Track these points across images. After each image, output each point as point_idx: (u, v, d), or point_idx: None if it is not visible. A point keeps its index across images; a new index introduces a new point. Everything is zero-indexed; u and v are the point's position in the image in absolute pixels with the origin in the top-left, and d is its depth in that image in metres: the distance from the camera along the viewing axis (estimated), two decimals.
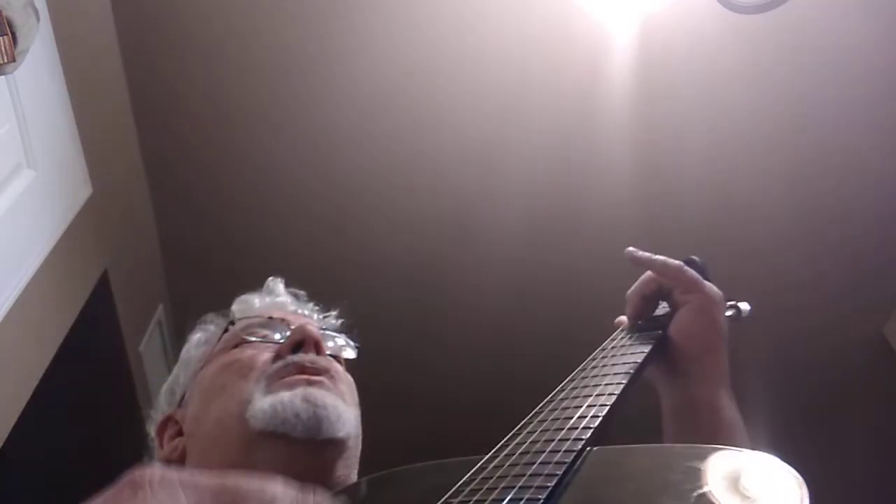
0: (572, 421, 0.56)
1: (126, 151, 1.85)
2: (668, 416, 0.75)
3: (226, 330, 0.79)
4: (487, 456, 0.54)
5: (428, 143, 1.90)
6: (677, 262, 0.79)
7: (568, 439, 0.53)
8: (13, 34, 1.03)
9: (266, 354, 0.72)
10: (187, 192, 1.97)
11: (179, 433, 0.74)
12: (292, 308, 0.86)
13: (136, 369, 1.83)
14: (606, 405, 0.59)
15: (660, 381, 0.78)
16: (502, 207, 1.98)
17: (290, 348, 0.72)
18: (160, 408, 0.81)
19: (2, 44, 1.00)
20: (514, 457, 0.53)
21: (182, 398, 0.78)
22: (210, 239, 2.03)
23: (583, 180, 1.94)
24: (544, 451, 0.52)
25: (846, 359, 2.14)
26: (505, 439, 0.57)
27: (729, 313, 0.82)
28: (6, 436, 1.21)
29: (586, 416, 0.57)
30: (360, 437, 0.74)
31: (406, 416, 2.12)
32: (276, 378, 0.69)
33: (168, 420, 0.77)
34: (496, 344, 2.13)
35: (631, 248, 0.82)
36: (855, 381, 2.14)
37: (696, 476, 0.47)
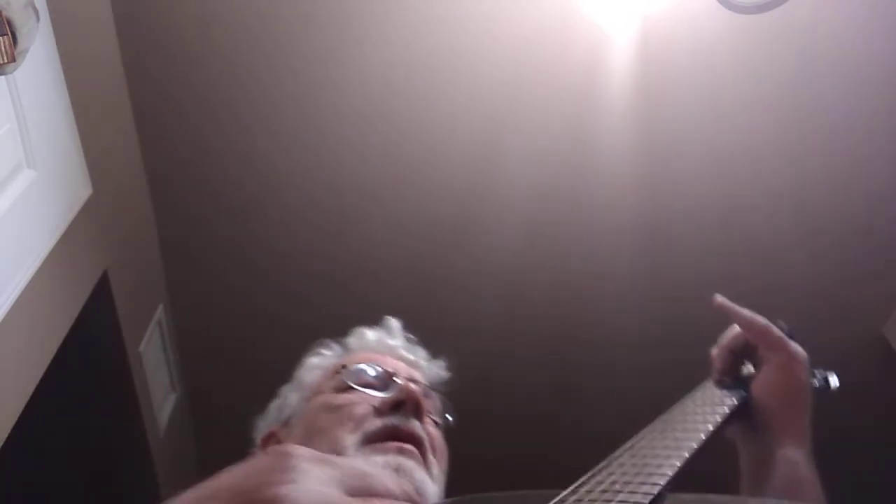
0: (650, 467, 0.58)
1: (126, 151, 1.85)
2: (747, 471, 0.75)
3: (338, 371, 0.81)
4: (567, 491, 0.55)
5: (426, 145, 1.90)
6: (764, 320, 0.78)
7: (646, 483, 0.55)
8: (13, 34, 1.03)
9: (366, 407, 0.74)
10: (187, 193, 1.97)
11: None
12: (403, 353, 0.88)
13: (136, 369, 1.83)
14: (685, 455, 0.60)
15: (739, 437, 0.77)
16: (501, 210, 1.98)
17: (390, 406, 0.74)
18: (268, 421, 0.84)
19: (2, 44, 1.00)
20: (594, 493, 0.54)
21: (288, 419, 0.81)
22: (210, 239, 2.03)
23: (582, 183, 1.94)
24: (623, 492, 0.53)
25: (846, 359, 2.14)
26: (585, 476, 0.57)
27: (816, 384, 0.81)
28: (6, 435, 1.21)
29: (664, 464, 0.58)
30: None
31: None
32: (370, 439, 0.71)
33: (272, 436, 0.81)
34: (495, 344, 2.13)
35: (719, 297, 0.81)
36: (855, 382, 2.13)
37: None
